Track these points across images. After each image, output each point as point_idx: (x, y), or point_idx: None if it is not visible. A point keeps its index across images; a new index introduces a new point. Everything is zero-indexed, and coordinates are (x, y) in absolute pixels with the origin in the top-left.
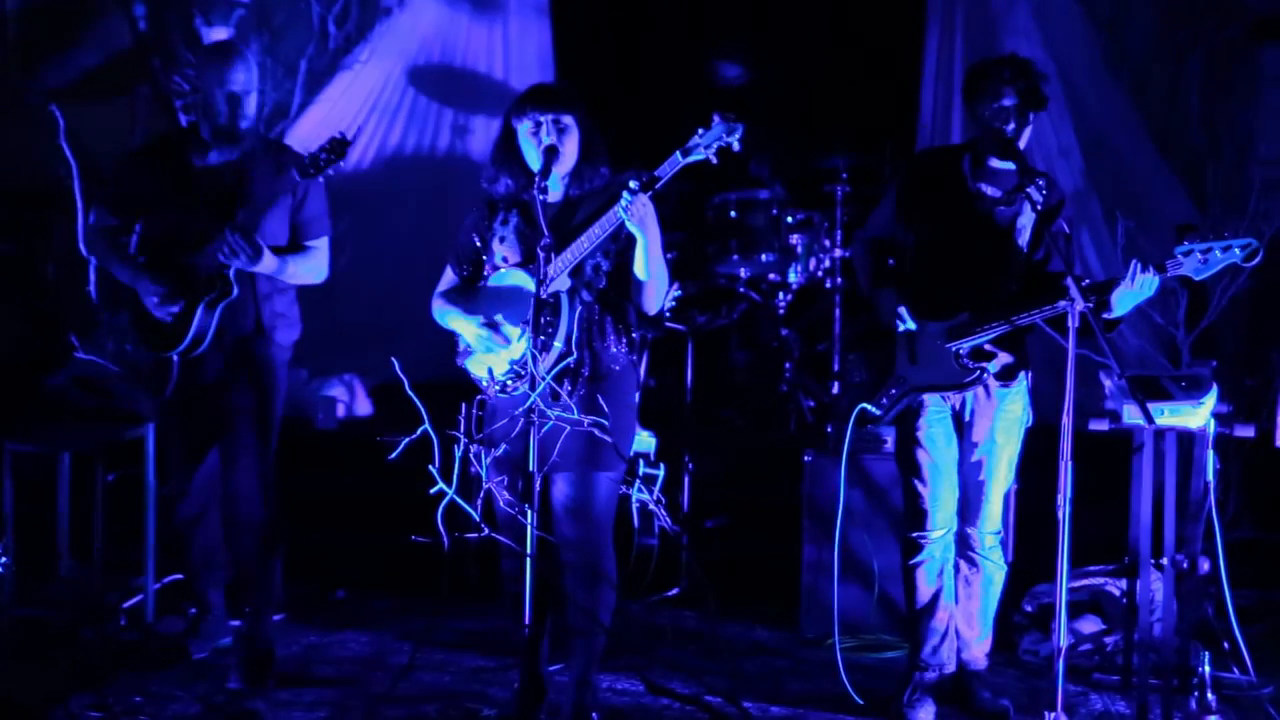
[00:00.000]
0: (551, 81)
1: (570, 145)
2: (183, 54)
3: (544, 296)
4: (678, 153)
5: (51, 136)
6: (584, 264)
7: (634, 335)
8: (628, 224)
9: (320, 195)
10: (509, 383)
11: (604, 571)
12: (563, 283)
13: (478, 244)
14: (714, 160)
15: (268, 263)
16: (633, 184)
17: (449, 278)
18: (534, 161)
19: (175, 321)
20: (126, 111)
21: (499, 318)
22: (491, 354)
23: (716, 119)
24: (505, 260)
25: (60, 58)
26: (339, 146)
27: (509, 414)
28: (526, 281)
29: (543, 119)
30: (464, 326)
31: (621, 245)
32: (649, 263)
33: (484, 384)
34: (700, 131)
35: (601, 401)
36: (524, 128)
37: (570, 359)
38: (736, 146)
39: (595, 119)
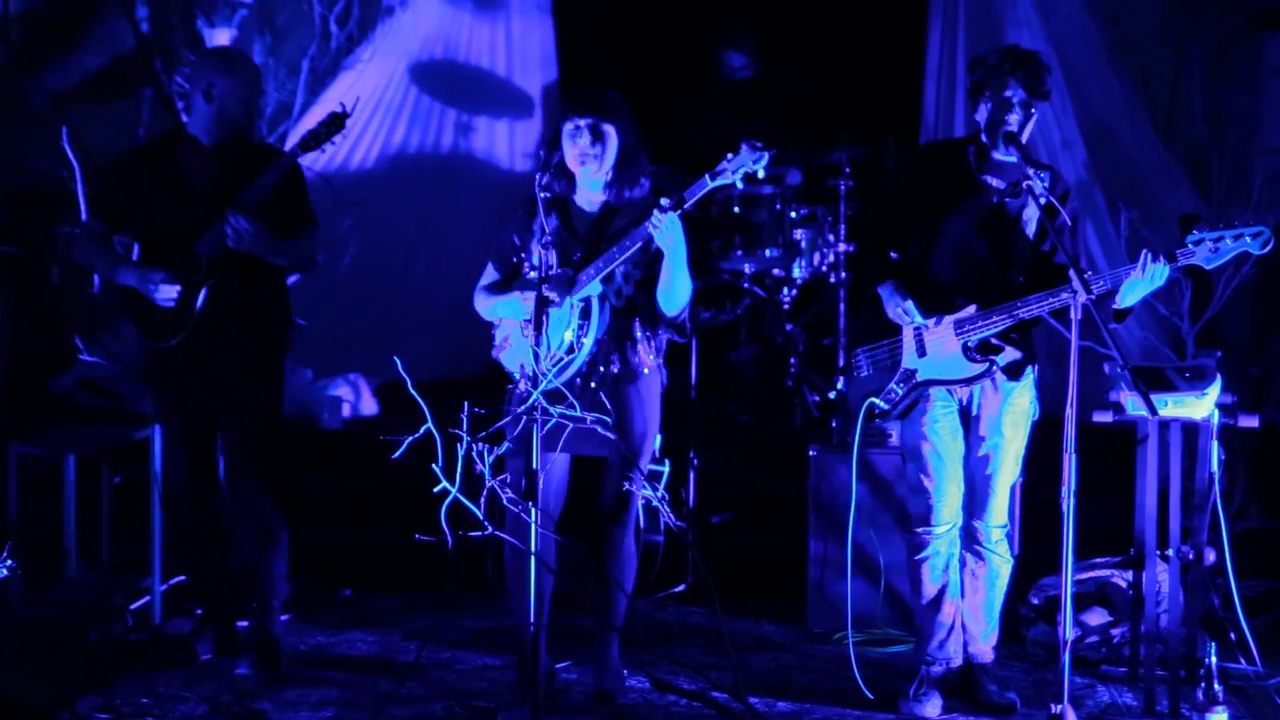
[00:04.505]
0: (589, 86)
1: (608, 153)
2: (185, 56)
3: (572, 300)
4: (706, 176)
5: (55, 139)
6: (615, 272)
7: (661, 341)
8: (656, 240)
9: (304, 189)
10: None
11: (630, 552)
12: (594, 288)
13: (517, 243)
14: (740, 185)
15: (268, 244)
16: (663, 201)
17: (490, 274)
18: (572, 162)
19: (176, 309)
20: (130, 113)
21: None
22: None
23: (744, 147)
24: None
25: (63, 60)
26: (337, 120)
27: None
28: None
29: (582, 124)
30: (512, 302)
31: (651, 256)
32: (674, 278)
33: (517, 375)
34: (729, 157)
35: (630, 400)
36: (567, 128)
37: (599, 358)
38: (762, 173)
39: (636, 132)
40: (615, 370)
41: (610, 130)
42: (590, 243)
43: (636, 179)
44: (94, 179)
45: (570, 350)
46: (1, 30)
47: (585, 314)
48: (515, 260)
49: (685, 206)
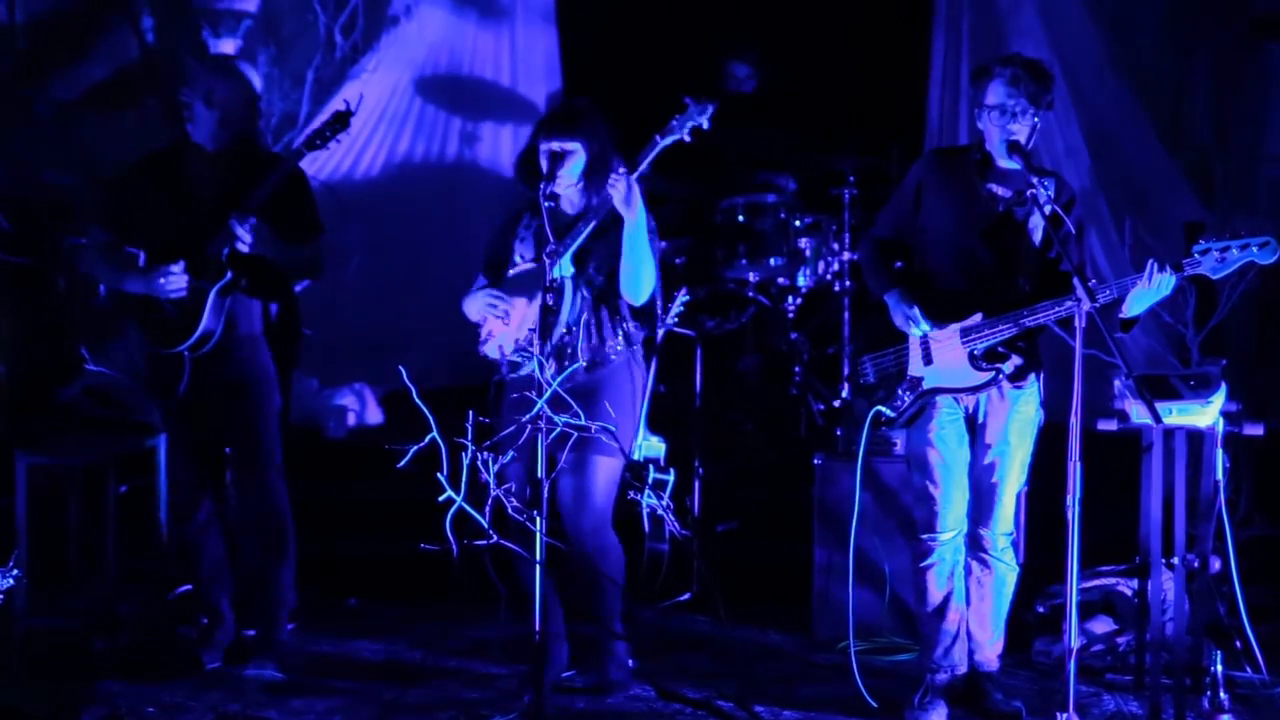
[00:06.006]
0: (563, 102)
1: (571, 167)
2: (191, 66)
3: (551, 288)
4: (656, 136)
5: (62, 149)
6: (587, 259)
7: (630, 329)
8: (615, 203)
9: (310, 195)
10: (517, 361)
11: (608, 545)
12: (566, 268)
13: (501, 247)
14: (688, 139)
15: (275, 246)
16: (621, 169)
17: (479, 283)
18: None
19: (185, 313)
20: (136, 124)
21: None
22: (504, 330)
23: (689, 102)
24: (522, 258)
25: (69, 70)
26: (341, 118)
27: (517, 419)
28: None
29: (545, 145)
30: (474, 301)
31: (616, 247)
32: (634, 251)
33: (499, 362)
34: (677, 116)
35: (599, 386)
36: (541, 148)
37: (569, 342)
38: (706, 125)
39: (605, 137)
40: (585, 358)
41: (575, 147)
42: (568, 229)
43: (604, 184)
44: (100, 191)
45: (546, 329)
46: (7, 40)
47: (559, 294)
48: (499, 265)
49: (641, 168)
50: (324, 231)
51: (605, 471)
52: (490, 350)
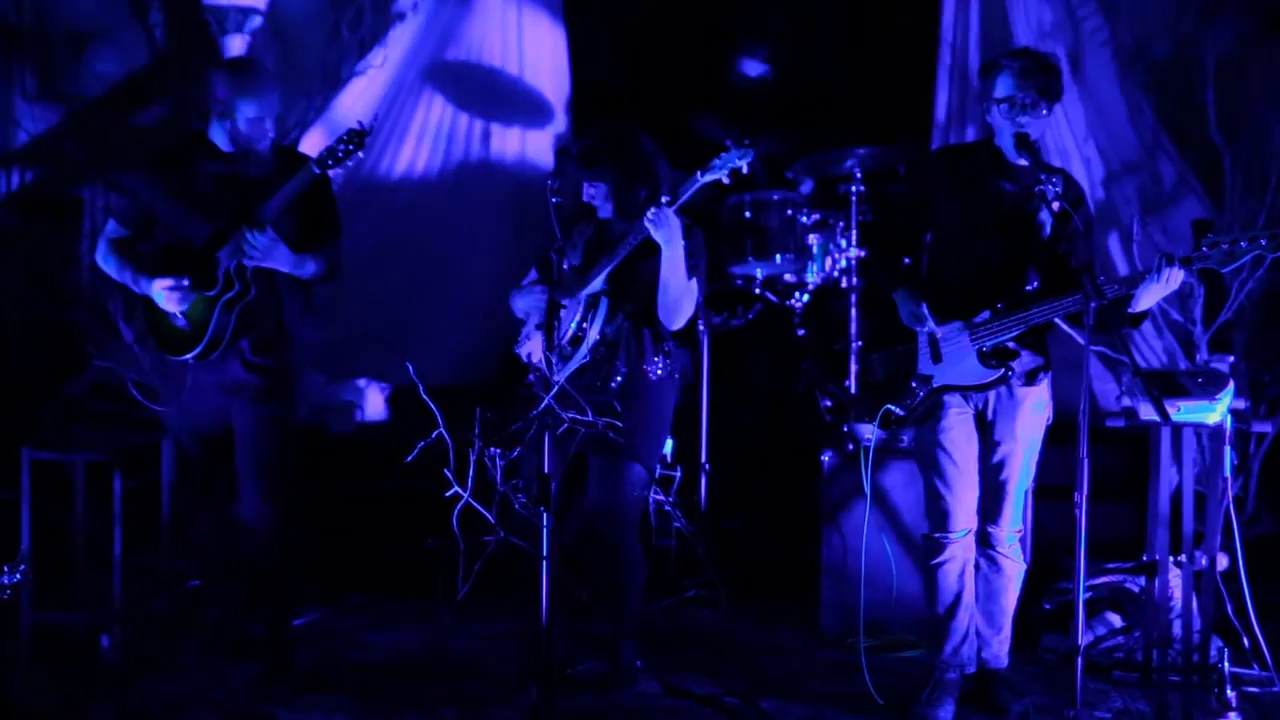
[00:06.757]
0: (587, 135)
1: (601, 197)
2: (199, 64)
3: (565, 299)
4: (697, 173)
5: (72, 145)
6: (627, 281)
7: (669, 348)
8: (651, 233)
9: (331, 197)
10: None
11: (633, 546)
12: (598, 285)
13: (554, 249)
14: (726, 180)
15: (286, 258)
16: (663, 199)
17: (531, 276)
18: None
19: (192, 321)
20: (146, 120)
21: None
22: (535, 340)
23: (730, 145)
24: (568, 265)
25: (78, 68)
26: (357, 137)
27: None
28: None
29: (580, 179)
30: (524, 299)
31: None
32: (670, 272)
33: (531, 364)
34: (719, 156)
35: (636, 402)
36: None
37: (607, 360)
38: (745, 170)
39: (631, 166)
40: (622, 373)
41: (599, 184)
42: (607, 250)
43: (633, 206)
44: (116, 186)
45: (576, 340)
46: (16, 39)
47: (593, 308)
48: (547, 264)
49: (679, 201)
50: (340, 236)
51: (636, 476)
52: (523, 351)
